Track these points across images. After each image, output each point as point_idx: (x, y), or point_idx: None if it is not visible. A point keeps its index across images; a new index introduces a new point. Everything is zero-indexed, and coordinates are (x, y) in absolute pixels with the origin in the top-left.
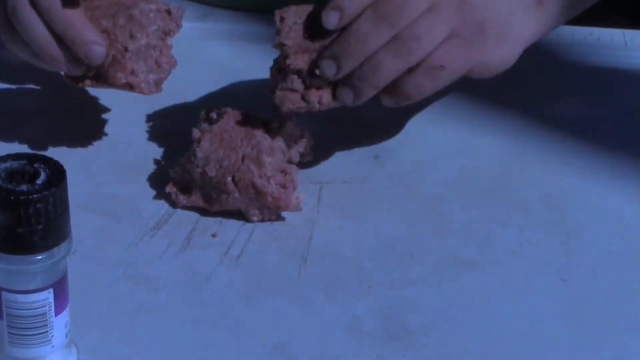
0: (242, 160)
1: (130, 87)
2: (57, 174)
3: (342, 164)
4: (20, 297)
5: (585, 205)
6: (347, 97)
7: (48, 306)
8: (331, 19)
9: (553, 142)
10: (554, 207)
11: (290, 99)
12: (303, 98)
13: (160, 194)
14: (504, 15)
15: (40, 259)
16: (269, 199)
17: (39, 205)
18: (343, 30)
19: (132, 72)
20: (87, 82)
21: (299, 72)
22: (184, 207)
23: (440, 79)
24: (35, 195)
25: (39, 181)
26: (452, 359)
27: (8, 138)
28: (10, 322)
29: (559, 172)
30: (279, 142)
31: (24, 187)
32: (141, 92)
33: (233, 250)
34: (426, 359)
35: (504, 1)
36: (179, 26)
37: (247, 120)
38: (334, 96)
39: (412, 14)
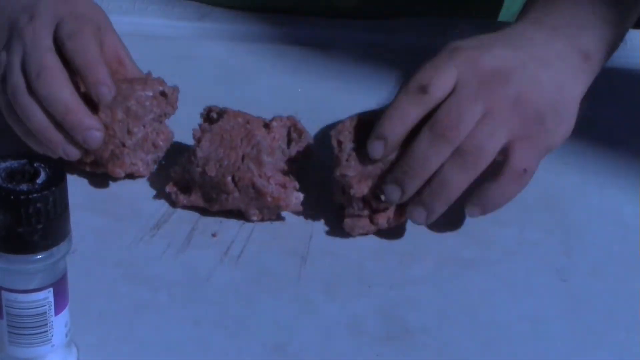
0: (242, 160)
1: (129, 175)
2: (57, 173)
3: None
4: (21, 297)
5: (585, 205)
6: (420, 216)
7: (48, 305)
8: (376, 149)
9: None
10: (554, 207)
11: (360, 225)
12: (371, 221)
13: (160, 194)
14: (555, 92)
15: (40, 258)
16: (269, 198)
17: (38, 205)
18: (403, 152)
19: (131, 164)
20: (87, 167)
21: (363, 198)
22: (184, 207)
23: (525, 180)
24: (35, 195)
25: (39, 181)
26: (452, 358)
27: (8, 137)
28: (10, 322)
29: (559, 172)
30: (279, 142)
31: (24, 187)
32: (140, 175)
33: (233, 250)
34: (426, 359)
35: (552, 74)
36: (174, 108)
37: (247, 120)
38: (401, 212)
39: (469, 126)
